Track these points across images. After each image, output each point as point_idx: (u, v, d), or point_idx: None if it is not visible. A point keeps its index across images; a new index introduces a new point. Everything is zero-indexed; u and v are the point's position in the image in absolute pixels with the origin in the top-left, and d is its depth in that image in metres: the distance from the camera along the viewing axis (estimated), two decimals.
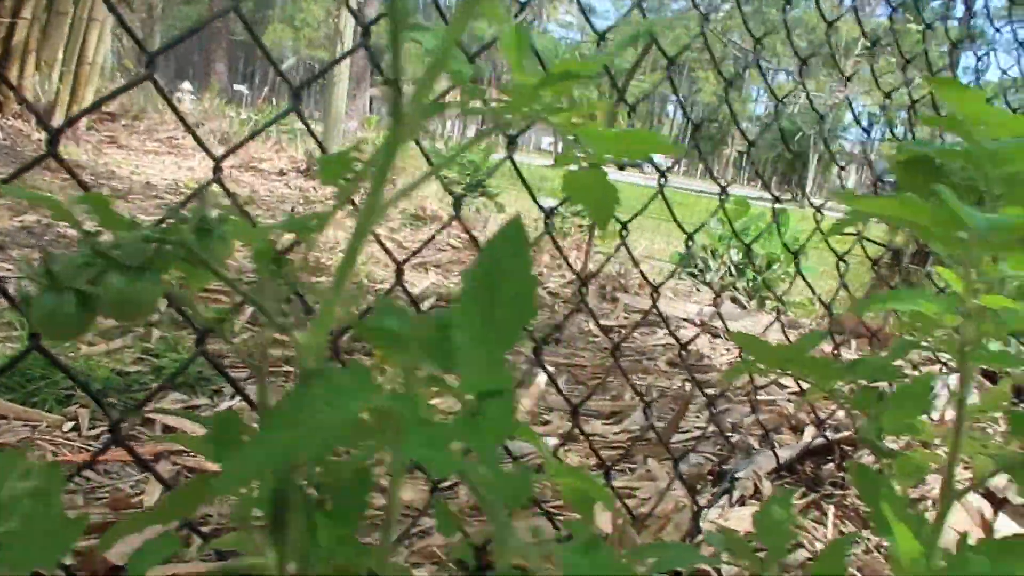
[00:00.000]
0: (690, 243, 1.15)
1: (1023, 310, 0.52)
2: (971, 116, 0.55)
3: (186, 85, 15.22)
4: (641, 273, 1.17)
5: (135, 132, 8.02)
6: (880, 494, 0.55)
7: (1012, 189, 0.59)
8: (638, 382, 2.34)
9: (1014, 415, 0.59)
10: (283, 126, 7.10)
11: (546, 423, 1.82)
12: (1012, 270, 0.46)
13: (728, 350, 2.64)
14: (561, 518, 1.16)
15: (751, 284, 3.57)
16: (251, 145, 8.16)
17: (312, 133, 0.84)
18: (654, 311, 1.12)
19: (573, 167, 0.61)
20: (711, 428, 1.82)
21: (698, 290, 3.41)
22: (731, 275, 3.58)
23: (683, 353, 1.14)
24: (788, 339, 1.51)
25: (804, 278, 1.36)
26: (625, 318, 3.00)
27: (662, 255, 4.58)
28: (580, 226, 4.54)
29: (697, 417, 1.85)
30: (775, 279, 3.48)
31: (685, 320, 2.83)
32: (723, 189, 1.20)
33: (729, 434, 1.71)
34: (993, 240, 0.41)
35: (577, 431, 1.01)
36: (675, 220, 1.11)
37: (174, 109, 0.73)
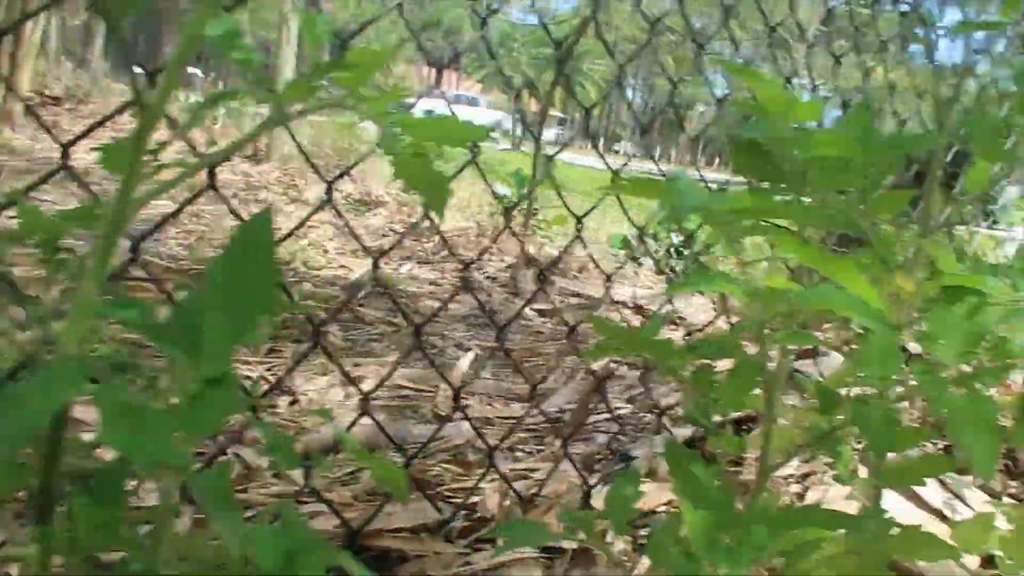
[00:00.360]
0: (579, 226, 1.17)
1: (813, 293, 0.54)
2: (770, 102, 0.57)
3: (136, 69, 14.85)
4: (531, 258, 1.18)
5: (79, 116, 7.79)
6: (684, 468, 0.57)
7: (819, 172, 0.61)
8: (567, 364, 2.36)
9: (818, 387, 0.61)
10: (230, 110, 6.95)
11: (464, 407, 1.83)
12: (782, 253, 0.48)
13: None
14: (455, 500, 1.18)
15: (691, 267, 3.62)
16: (196, 131, 7.99)
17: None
18: (595, 296, 1.12)
19: (400, 154, 0.61)
20: (627, 409, 1.85)
21: (636, 274, 3.45)
22: (671, 257, 3.62)
23: (571, 336, 1.16)
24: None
25: (703, 259, 1.39)
26: (561, 301, 3.03)
27: (604, 239, 4.62)
28: (533, 212, 4.55)
29: (617, 398, 1.88)
30: (713, 261, 3.53)
31: (619, 303, 2.86)
32: (615, 173, 1.22)
33: (643, 413, 1.74)
34: (721, 220, 0.42)
35: (460, 414, 1.03)
36: (561, 199, 1.13)
37: (10, 88, 0.71)
